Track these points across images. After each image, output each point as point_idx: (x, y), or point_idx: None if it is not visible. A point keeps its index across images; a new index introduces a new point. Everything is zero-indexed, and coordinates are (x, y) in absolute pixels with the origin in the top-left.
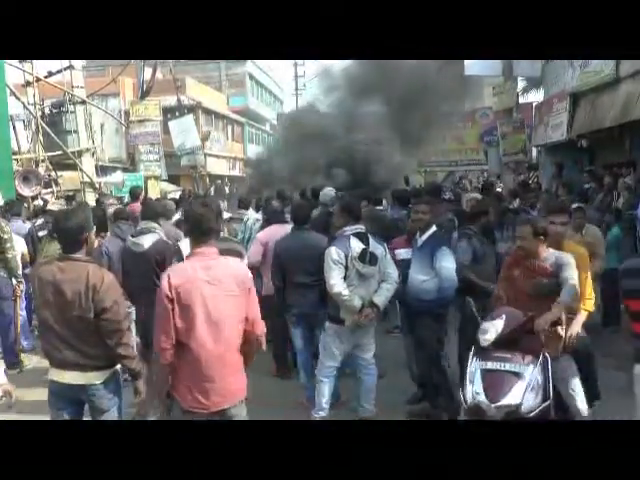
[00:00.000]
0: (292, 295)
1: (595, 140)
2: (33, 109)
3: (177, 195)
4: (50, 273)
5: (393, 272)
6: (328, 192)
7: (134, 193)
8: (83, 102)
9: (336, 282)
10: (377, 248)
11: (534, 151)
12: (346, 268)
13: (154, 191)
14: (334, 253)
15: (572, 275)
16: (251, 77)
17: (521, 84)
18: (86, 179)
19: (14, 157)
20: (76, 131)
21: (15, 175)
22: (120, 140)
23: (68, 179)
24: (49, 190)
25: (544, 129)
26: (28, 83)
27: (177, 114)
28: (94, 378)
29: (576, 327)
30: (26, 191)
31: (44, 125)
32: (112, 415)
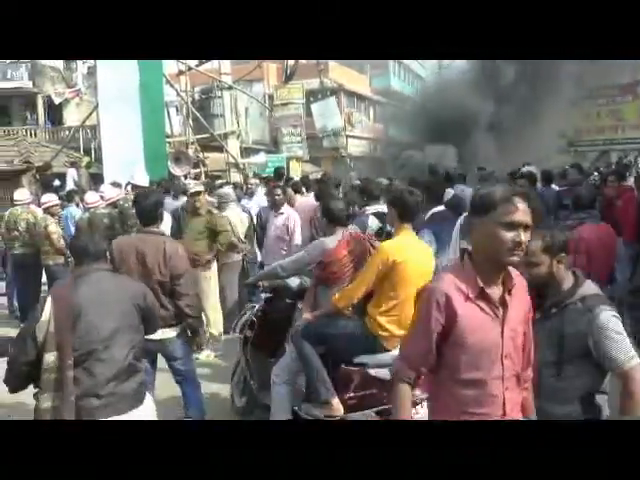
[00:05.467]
0: None
1: None
2: (185, 95)
3: (318, 176)
4: (132, 245)
5: None
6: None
7: (279, 173)
8: (230, 88)
9: None
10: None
11: None
12: None
13: (296, 172)
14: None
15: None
16: None
17: None
18: (231, 160)
19: (167, 140)
20: (222, 115)
21: (168, 156)
22: (264, 123)
23: (214, 160)
24: (197, 170)
25: None
26: (181, 72)
27: (319, 96)
28: (169, 333)
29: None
30: (177, 171)
31: (194, 110)
32: (188, 360)
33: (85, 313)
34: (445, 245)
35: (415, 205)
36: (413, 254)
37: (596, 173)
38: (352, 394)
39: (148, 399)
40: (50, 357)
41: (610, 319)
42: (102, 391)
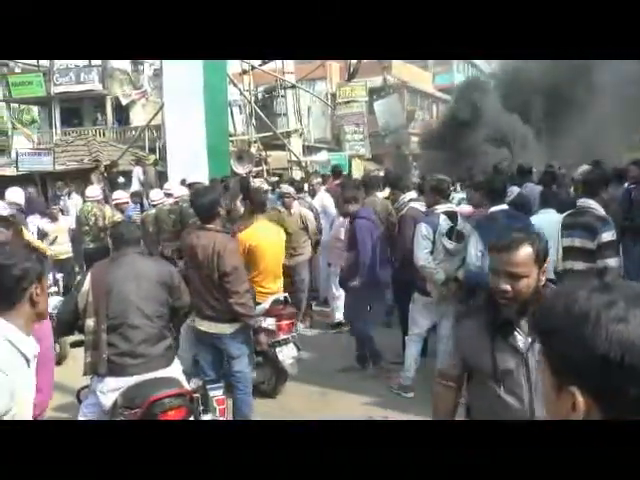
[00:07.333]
0: None
1: None
2: (248, 95)
3: (381, 173)
4: (190, 240)
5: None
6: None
7: (336, 171)
8: (292, 86)
9: (421, 256)
10: (465, 227)
11: None
12: (433, 243)
13: (358, 170)
14: (423, 229)
15: None
16: None
17: None
18: (293, 158)
19: (230, 139)
20: (285, 114)
21: (231, 155)
22: (326, 121)
23: (276, 158)
24: (259, 168)
25: None
26: (244, 72)
27: (382, 94)
28: (224, 329)
29: None
30: (239, 169)
31: (257, 109)
32: (242, 361)
33: (118, 287)
34: None
35: (262, 202)
36: (264, 236)
37: None
38: None
39: (176, 362)
40: (90, 322)
41: None
42: (135, 352)
